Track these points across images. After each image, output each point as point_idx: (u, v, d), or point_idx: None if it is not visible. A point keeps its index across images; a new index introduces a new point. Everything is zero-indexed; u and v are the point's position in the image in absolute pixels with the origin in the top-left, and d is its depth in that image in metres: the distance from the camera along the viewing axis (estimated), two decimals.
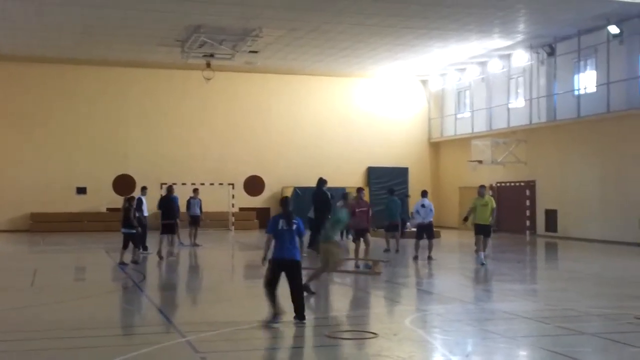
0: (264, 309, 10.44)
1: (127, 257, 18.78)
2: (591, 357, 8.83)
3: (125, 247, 18.73)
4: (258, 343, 9.48)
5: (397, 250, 22.83)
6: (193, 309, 13.13)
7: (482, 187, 19.25)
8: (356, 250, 18.50)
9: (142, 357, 8.45)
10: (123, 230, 18.76)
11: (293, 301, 10.35)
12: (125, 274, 17.35)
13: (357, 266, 17.80)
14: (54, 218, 33.57)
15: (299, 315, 10.30)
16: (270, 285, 10.23)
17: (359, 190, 19.38)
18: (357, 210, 18.08)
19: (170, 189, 21.99)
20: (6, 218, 33.40)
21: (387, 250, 22.76)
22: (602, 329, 10.43)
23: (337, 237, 14.34)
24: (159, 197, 30.70)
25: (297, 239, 10.35)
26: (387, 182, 35.84)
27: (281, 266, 10.30)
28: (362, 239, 18.38)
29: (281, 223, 10.34)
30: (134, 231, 18.82)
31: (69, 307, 12.49)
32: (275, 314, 10.10)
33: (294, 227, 10.31)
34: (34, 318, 11.22)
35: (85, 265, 20.75)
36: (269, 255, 10.42)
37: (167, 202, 21.34)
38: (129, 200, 19.26)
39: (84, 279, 18.29)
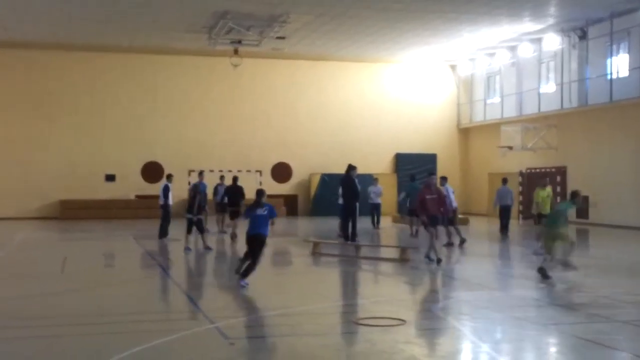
0: (292, 296, 10.42)
1: (189, 241, 19.40)
2: (623, 344, 8.68)
3: (199, 231, 19.30)
4: (286, 329, 9.46)
5: (416, 234, 23.21)
6: (221, 295, 13.14)
7: (546, 178, 18.99)
8: (430, 240, 16.53)
9: (172, 343, 8.48)
10: (187, 215, 19.36)
11: (249, 264, 13.00)
12: (154, 260, 17.45)
13: (428, 257, 16.29)
14: (83, 205, 33.87)
15: (244, 274, 12.91)
16: (246, 257, 13.17)
17: (430, 176, 17.66)
18: (427, 197, 16.52)
19: (235, 179, 23.36)
20: (36, 205, 33.80)
21: (412, 236, 23.00)
22: (635, 316, 10.27)
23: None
24: (187, 184, 31.14)
25: (268, 220, 13.25)
26: (416, 168, 35.63)
27: (252, 239, 13.06)
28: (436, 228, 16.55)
29: (256, 210, 13.27)
30: (201, 217, 19.48)
31: (99, 293, 12.58)
32: (240, 268, 13.17)
33: (265, 212, 13.21)
34: (63, 304, 11.33)
35: (114, 252, 20.91)
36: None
37: (233, 190, 22.81)
38: (195, 187, 20.08)
39: (113, 266, 18.43)
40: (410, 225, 23.67)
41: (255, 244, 13.00)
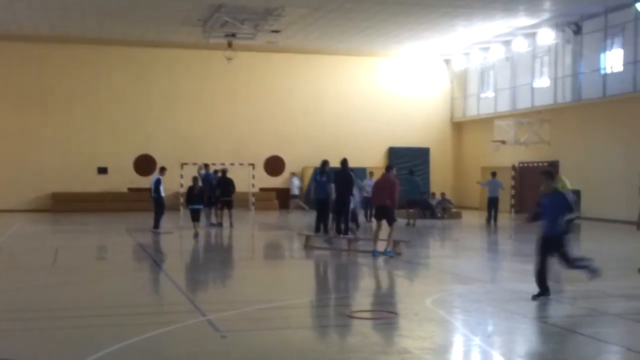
0: (284, 289, 10.38)
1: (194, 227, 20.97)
2: (614, 338, 8.70)
3: (194, 219, 20.88)
4: (279, 322, 9.45)
5: (413, 224, 25.07)
6: (214, 288, 13.14)
7: (551, 168, 18.31)
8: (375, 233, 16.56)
9: (163, 336, 8.46)
10: (190, 206, 20.99)
11: (341, 224, 17.60)
12: (146, 253, 17.43)
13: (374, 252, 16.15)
14: (76, 198, 33.79)
15: (340, 231, 17.68)
16: (319, 219, 17.83)
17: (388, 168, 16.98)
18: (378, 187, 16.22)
19: (224, 171, 24.95)
20: (28, 198, 33.69)
21: (408, 225, 24.83)
22: (626, 309, 10.30)
23: None
24: (179, 177, 31.17)
25: (327, 185, 17.39)
26: (409, 162, 35.65)
27: (320, 203, 17.55)
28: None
29: (317, 176, 17.44)
30: (200, 206, 21.06)
31: (90, 286, 12.55)
32: (330, 237, 17.26)
33: (325, 179, 17.33)
34: (55, 297, 11.29)
35: (106, 245, 20.87)
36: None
37: (225, 182, 24.32)
38: (195, 179, 21.77)
39: (105, 259, 18.39)
40: (407, 218, 24.31)
41: (324, 206, 17.79)
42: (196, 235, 20.60)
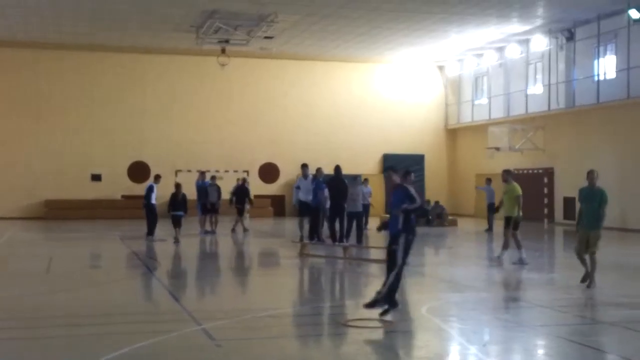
0: (279, 298, 10.35)
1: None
2: (609, 346, 8.69)
3: (175, 226, 21.21)
4: (274, 331, 9.41)
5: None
6: (208, 296, 13.10)
7: (504, 171, 17.70)
8: None
9: (158, 345, 8.42)
10: (172, 212, 21.28)
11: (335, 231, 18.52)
12: (140, 260, 17.36)
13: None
14: (69, 205, 33.66)
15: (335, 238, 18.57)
16: (313, 227, 18.48)
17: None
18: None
19: (244, 180, 26.32)
20: (21, 205, 33.56)
21: None
22: (620, 317, 10.29)
23: None
24: (173, 185, 31.10)
25: (316, 192, 18.67)
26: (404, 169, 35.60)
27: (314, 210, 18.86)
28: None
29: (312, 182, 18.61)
30: (182, 213, 21.37)
31: (84, 294, 12.49)
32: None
33: (314, 185, 18.86)
34: (49, 305, 11.22)
35: (100, 252, 20.79)
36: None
37: (240, 190, 25.45)
38: (178, 186, 21.95)
39: (99, 266, 18.31)
40: None
41: (315, 213, 18.75)
42: (176, 241, 20.76)
